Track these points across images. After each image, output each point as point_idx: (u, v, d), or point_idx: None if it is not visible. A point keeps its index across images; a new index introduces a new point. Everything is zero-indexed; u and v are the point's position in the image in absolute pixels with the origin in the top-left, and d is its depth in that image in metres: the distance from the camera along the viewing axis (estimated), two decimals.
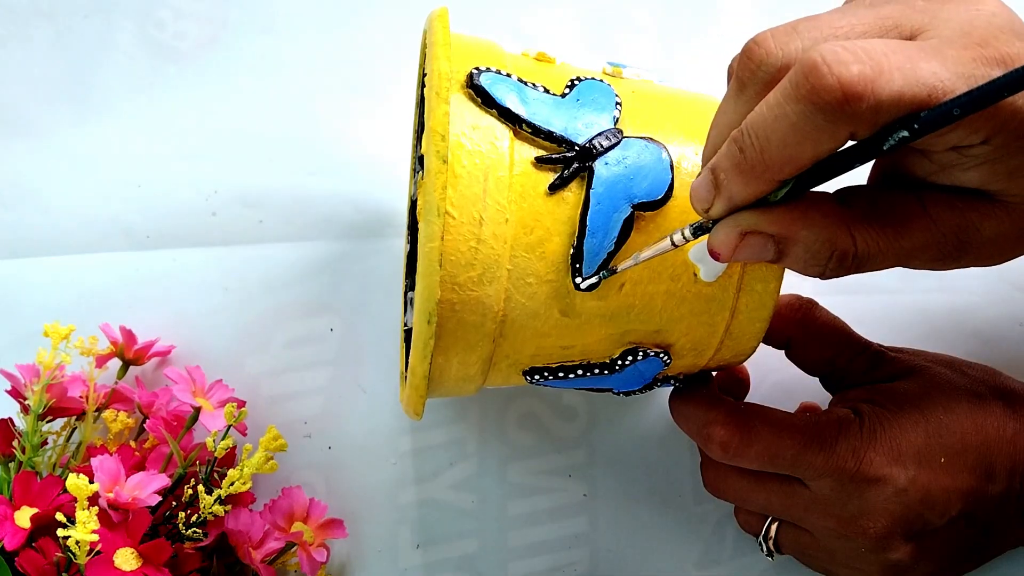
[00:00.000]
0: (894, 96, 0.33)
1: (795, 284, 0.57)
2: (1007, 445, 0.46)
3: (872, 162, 0.41)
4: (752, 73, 0.36)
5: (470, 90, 0.42)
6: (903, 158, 0.40)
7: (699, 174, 0.39)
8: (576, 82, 0.44)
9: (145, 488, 0.48)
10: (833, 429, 0.46)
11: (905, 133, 0.33)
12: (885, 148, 0.34)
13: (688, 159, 0.43)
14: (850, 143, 0.35)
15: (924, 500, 0.45)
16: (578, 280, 0.42)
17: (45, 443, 0.52)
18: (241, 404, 0.52)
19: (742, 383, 0.54)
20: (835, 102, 0.32)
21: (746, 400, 0.53)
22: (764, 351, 0.50)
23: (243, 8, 0.62)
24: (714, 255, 0.39)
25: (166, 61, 0.61)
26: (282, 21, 0.62)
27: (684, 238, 0.40)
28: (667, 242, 0.40)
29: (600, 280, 0.42)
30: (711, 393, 0.49)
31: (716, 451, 0.47)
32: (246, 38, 0.62)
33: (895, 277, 0.57)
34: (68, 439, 0.54)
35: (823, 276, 0.38)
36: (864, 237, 0.37)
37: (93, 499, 0.46)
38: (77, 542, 0.44)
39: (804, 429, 0.46)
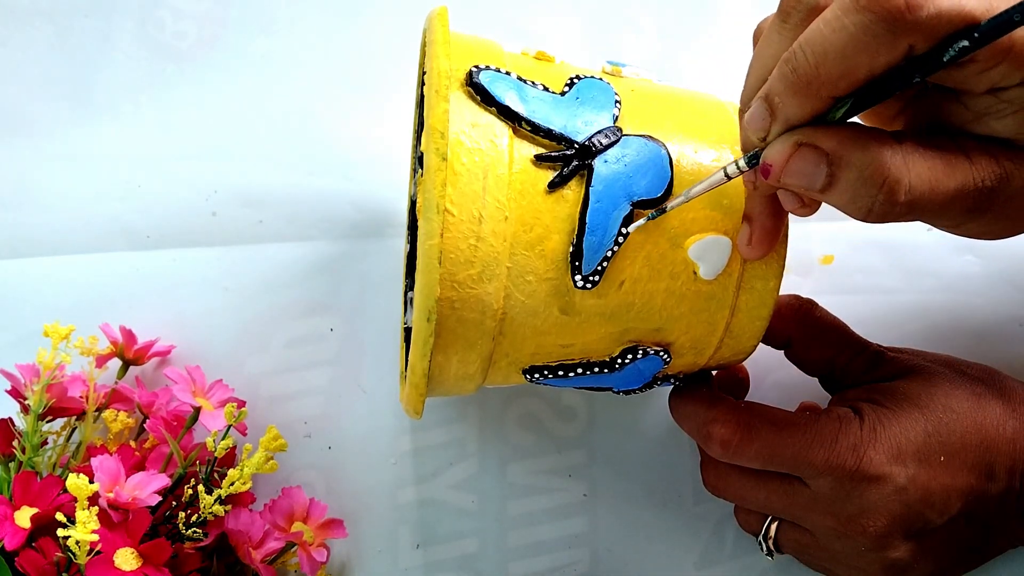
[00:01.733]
0: (954, 5, 0.33)
1: (795, 284, 0.57)
2: (1007, 444, 0.46)
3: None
4: (798, 0, 0.37)
5: (469, 88, 0.42)
6: (940, 106, 0.40)
7: (749, 108, 0.39)
8: (575, 80, 0.44)
9: (145, 488, 0.48)
10: (833, 427, 0.46)
11: (965, 43, 0.33)
12: (945, 59, 0.34)
13: (687, 157, 0.43)
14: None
15: (924, 499, 0.45)
16: (577, 278, 0.42)
17: (45, 443, 0.52)
18: (241, 404, 0.52)
19: (742, 383, 0.54)
20: (896, 10, 0.33)
21: (746, 400, 0.53)
22: (764, 351, 0.50)
23: (243, 8, 0.62)
24: (765, 170, 0.39)
25: (166, 61, 0.62)
26: (282, 21, 0.62)
27: (738, 168, 0.40)
28: (720, 175, 0.40)
29: (651, 219, 0.42)
30: (711, 391, 0.49)
31: (716, 449, 0.47)
32: (246, 38, 0.62)
33: (895, 277, 0.57)
34: (68, 439, 0.54)
35: (868, 216, 0.38)
36: (917, 170, 0.37)
37: (93, 499, 0.46)
38: (77, 542, 0.44)
39: (804, 427, 0.46)
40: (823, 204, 0.58)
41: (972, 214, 0.39)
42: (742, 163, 0.40)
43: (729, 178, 0.40)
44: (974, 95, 0.38)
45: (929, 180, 0.37)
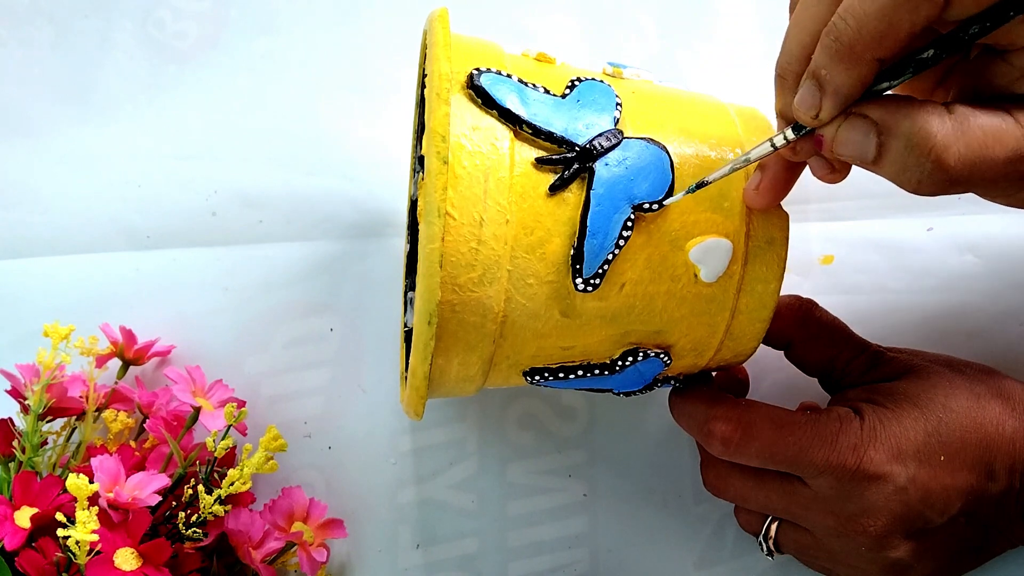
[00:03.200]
0: None
1: (795, 284, 0.57)
2: (1006, 443, 0.46)
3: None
4: None
5: (471, 91, 0.42)
6: (983, 69, 0.40)
7: (787, 78, 0.39)
8: (576, 83, 0.44)
9: (145, 488, 0.48)
10: (834, 427, 0.46)
11: None
12: (1012, 14, 0.34)
13: (688, 160, 0.43)
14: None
15: (924, 498, 0.45)
16: (578, 281, 0.42)
17: (45, 443, 0.52)
18: (241, 404, 0.52)
19: (741, 383, 0.54)
20: None
21: (746, 399, 0.53)
22: (764, 351, 0.50)
23: (243, 8, 0.62)
24: (818, 141, 0.39)
25: (166, 61, 0.61)
26: (282, 21, 0.62)
27: (786, 139, 0.40)
28: (767, 145, 0.41)
29: (696, 189, 0.42)
30: (711, 390, 0.49)
31: (717, 447, 0.47)
32: (246, 38, 0.62)
33: (895, 277, 0.57)
34: (68, 439, 0.54)
35: (920, 187, 0.38)
36: (965, 137, 0.37)
37: (93, 499, 0.46)
38: (77, 542, 0.44)
39: (805, 426, 0.46)
40: (822, 204, 0.58)
41: None
42: (789, 133, 0.40)
43: (775, 148, 0.41)
44: (1021, 50, 0.37)
45: (979, 146, 0.37)
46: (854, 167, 0.40)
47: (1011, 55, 0.38)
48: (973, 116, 0.37)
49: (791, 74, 0.40)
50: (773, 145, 0.40)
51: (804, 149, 0.41)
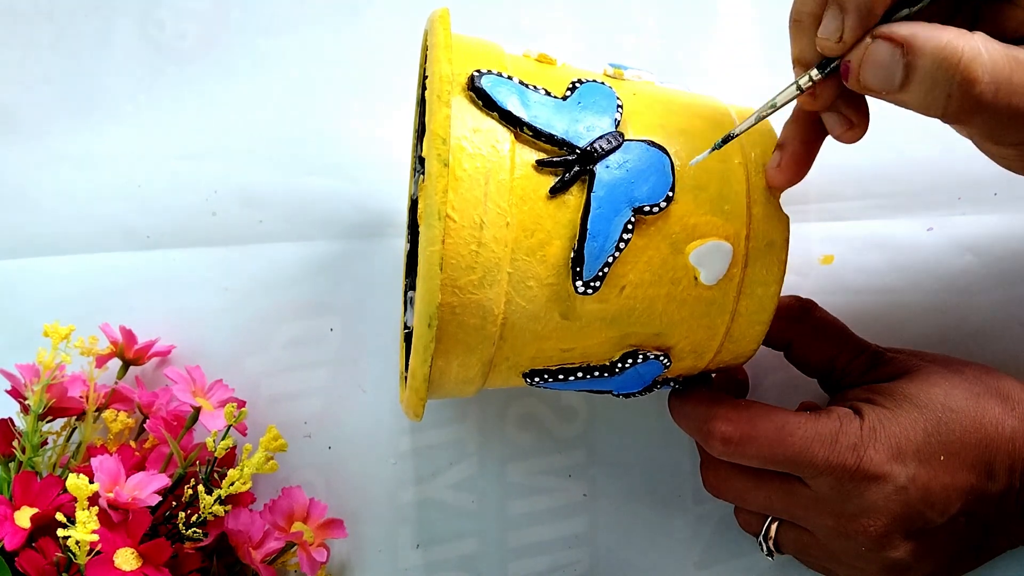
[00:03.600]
0: None
1: (795, 284, 0.57)
2: (1006, 443, 0.46)
3: None
4: None
5: (471, 93, 0.42)
6: (995, 15, 0.40)
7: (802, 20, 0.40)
8: (577, 84, 0.44)
9: (145, 488, 0.48)
10: (833, 427, 0.46)
11: None
12: None
13: (689, 162, 0.43)
14: None
15: (924, 498, 0.45)
16: (579, 283, 0.42)
17: (45, 443, 0.52)
18: (241, 404, 0.52)
19: (741, 384, 0.54)
20: None
21: (746, 399, 0.53)
22: (764, 351, 0.51)
23: (243, 8, 0.62)
24: (845, 70, 0.39)
25: (166, 61, 0.61)
26: (282, 21, 0.62)
27: (811, 79, 0.40)
28: (792, 89, 0.41)
29: (722, 145, 0.42)
30: (711, 391, 0.49)
31: (717, 447, 0.47)
32: (246, 38, 0.62)
33: (895, 277, 0.57)
34: (68, 439, 0.54)
35: (947, 109, 0.38)
36: (992, 55, 0.37)
37: (93, 499, 0.46)
38: (77, 542, 0.44)
39: (805, 426, 0.46)
40: (822, 204, 0.58)
41: None
42: (815, 73, 0.40)
43: (801, 91, 0.41)
44: None
45: (1005, 66, 0.37)
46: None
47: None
48: (996, 42, 0.37)
49: (807, 15, 0.40)
50: (799, 87, 0.41)
51: (825, 94, 0.41)
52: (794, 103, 0.43)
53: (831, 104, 0.42)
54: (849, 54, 0.39)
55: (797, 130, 0.43)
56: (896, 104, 0.39)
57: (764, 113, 0.42)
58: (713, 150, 0.42)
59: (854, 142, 0.42)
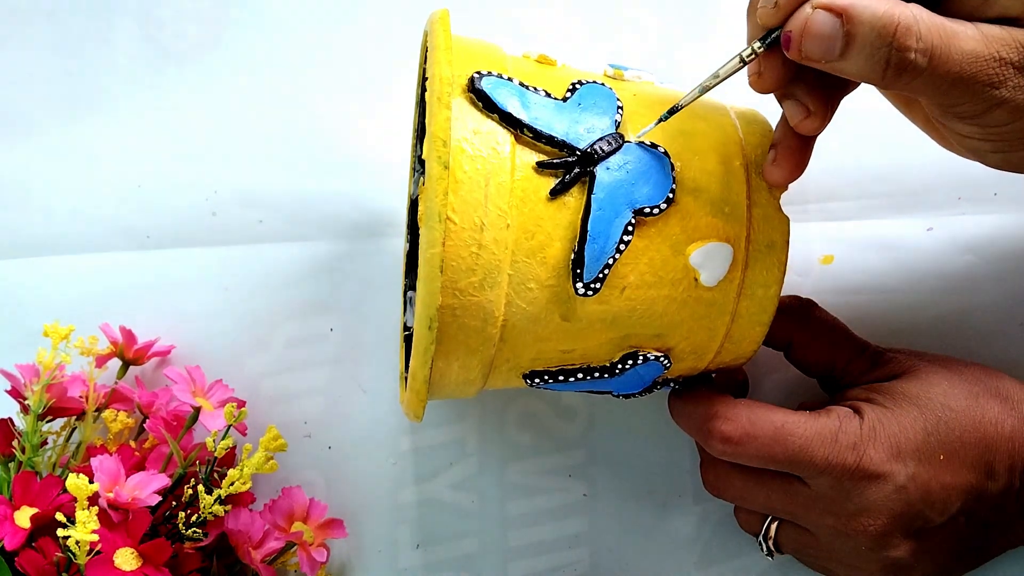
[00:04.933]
0: None
1: (795, 284, 0.57)
2: (1005, 442, 0.46)
3: None
4: None
5: (471, 94, 0.42)
6: None
7: None
8: (577, 86, 0.44)
9: (145, 488, 0.48)
10: (833, 426, 0.46)
11: None
12: None
13: (689, 163, 0.43)
14: None
15: (924, 497, 0.45)
16: (579, 285, 0.42)
17: (45, 443, 0.52)
18: (241, 404, 0.52)
19: (741, 385, 0.54)
20: None
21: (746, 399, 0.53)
22: (764, 351, 0.51)
23: (243, 8, 0.62)
24: (786, 40, 0.39)
25: (166, 61, 0.61)
26: (282, 21, 0.62)
27: (753, 51, 0.41)
28: (735, 60, 0.41)
29: (667, 117, 0.43)
30: (711, 391, 0.49)
31: (717, 446, 0.47)
32: (246, 38, 0.61)
33: (895, 277, 0.57)
34: (68, 439, 0.54)
35: (886, 74, 0.38)
36: (926, 23, 0.38)
37: (93, 499, 0.46)
38: (77, 542, 0.44)
39: (805, 425, 0.46)
40: (822, 204, 0.58)
41: (994, 89, 0.38)
42: (756, 45, 0.41)
43: (744, 62, 0.41)
44: None
45: (939, 36, 0.38)
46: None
47: None
48: (931, 13, 0.38)
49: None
50: (742, 58, 0.41)
51: (770, 72, 0.41)
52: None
53: (786, 90, 0.42)
54: (789, 24, 0.39)
55: (785, 128, 0.44)
56: (834, 72, 0.40)
57: (708, 84, 0.42)
58: (659, 123, 0.43)
59: (813, 132, 0.42)
